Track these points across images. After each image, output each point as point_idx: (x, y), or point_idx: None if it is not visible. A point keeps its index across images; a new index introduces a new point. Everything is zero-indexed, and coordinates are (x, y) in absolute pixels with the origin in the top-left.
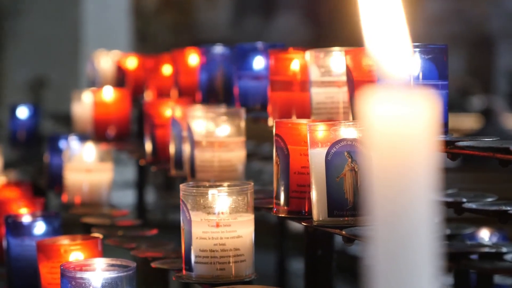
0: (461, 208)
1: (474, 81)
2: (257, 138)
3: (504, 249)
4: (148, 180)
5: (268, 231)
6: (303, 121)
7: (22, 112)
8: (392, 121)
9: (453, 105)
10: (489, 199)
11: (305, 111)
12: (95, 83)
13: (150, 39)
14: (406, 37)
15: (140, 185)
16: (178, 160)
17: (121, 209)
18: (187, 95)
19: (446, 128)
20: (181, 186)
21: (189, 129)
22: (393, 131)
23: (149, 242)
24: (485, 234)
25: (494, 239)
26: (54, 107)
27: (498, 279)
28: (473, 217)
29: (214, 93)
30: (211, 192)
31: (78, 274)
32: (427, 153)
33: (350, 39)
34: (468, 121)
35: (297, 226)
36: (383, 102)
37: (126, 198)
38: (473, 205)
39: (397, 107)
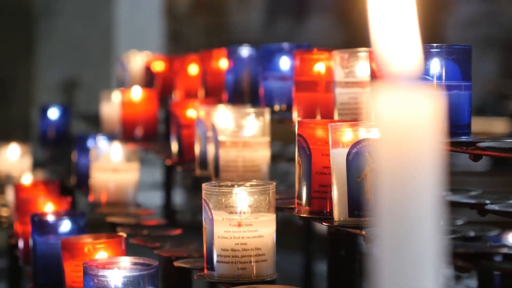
0: (484, 210)
1: (508, 84)
2: (284, 139)
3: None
4: (177, 181)
5: (294, 233)
6: (325, 121)
7: (53, 112)
8: (397, 120)
9: (486, 108)
10: (511, 201)
11: (329, 112)
12: (124, 83)
13: (182, 40)
14: (416, 35)
15: (167, 185)
16: (203, 160)
17: (146, 209)
18: (213, 96)
19: (468, 129)
20: (204, 185)
21: (213, 129)
22: (398, 130)
23: (173, 242)
24: (510, 236)
25: None
26: (85, 108)
27: None
28: (498, 220)
29: (240, 93)
30: (233, 191)
31: (101, 272)
32: (433, 152)
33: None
34: (500, 125)
35: (322, 227)
36: (389, 101)
37: (155, 199)
38: (496, 207)
39: (402, 106)
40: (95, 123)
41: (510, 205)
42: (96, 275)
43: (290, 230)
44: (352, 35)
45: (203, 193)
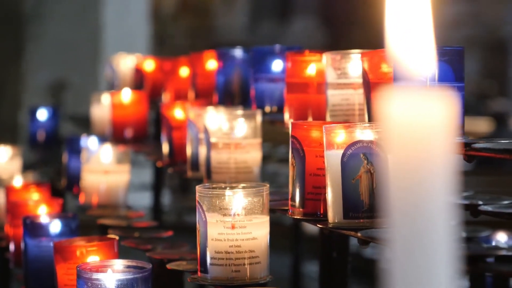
0: (477, 211)
1: (491, 84)
2: (273, 141)
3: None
4: (164, 183)
5: (283, 234)
6: (319, 122)
7: (42, 114)
8: (410, 122)
9: (469, 108)
10: (505, 202)
11: (321, 113)
12: (113, 85)
13: (167, 42)
14: (429, 38)
15: (156, 187)
16: (195, 161)
17: (137, 211)
18: (204, 98)
19: (462, 130)
20: (197, 187)
21: (205, 131)
22: (410, 132)
23: (165, 244)
24: (501, 237)
25: (510, 242)
26: (74, 110)
27: None
28: (489, 220)
29: (231, 95)
30: (227, 193)
31: (94, 276)
32: (445, 155)
33: (366, 42)
34: (482, 125)
35: (312, 228)
36: (401, 103)
37: (143, 200)
38: (489, 208)
39: (415, 108)
40: (84, 125)
41: (503, 206)
42: (90, 278)
43: (279, 231)
44: (336, 36)
45: (196, 195)
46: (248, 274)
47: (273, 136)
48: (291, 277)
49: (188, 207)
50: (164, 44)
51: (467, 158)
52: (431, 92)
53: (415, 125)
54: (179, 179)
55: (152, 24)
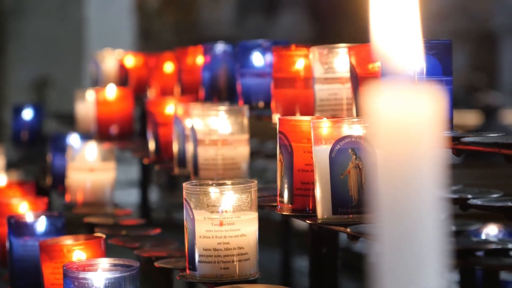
0: (466, 205)
1: (480, 77)
2: (261, 136)
3: (510, 246)
4: (151, 179)
5: (272, 230)
6: (307, 118)
7: (26, 112)
8: (398, 116)
9: (457, 101)
10: (495, 195)
11: (309, 108)
12: (98, 82)
13: (153, 37)
14: (416, 31)
15: (143, 184)
16: (182, 158)
17: (124, 209)
18: (190, 93)
19: (451, 124)
20: (184, 184)
21: (192, 127)
22: (398, 127)
23: (153, 242)
24: (490, 231)
25: (500, 236)
26: (57, 107)
27: (504, 275)
28: (478, 214)
29: (217, 90)
30: (214, 190)
31: (81, 275)
32: (433, 149)
33: (353, 36)
34: (471, 118)
35: (301, 224)
36: (389, 98)
37: (130, 197)
38: (478, 202)
39: (402, 102)
40: (68, 122)
41: (493, 199)
42: (77, 277)
43: (267, 227)
44: (323, 30)
45: (184, 193)
46: (237, 271)
47: (260, 131)
48: (280, 273)
49: (175, 204)
50: (149, 39)
51: (456, 152)
52: (419, 86)
53: (402, 120)
54: (167, 176)
55: (136, 19)
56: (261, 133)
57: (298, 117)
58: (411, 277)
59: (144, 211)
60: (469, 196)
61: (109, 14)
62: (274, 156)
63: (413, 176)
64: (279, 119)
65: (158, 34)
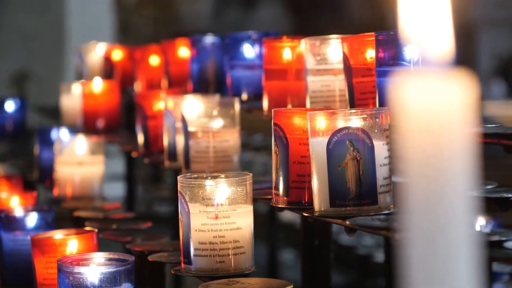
0: None
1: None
2: (248, 129)
3: (503, 237)
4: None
5: (259, 222)
6: (302, 109)
7: (9, 106)
8: (428, 106)
9: None
10: (490, 186)
11: (301, 100)
12: (82, 75)
13: (132, 31)
14: (446, 18)
15: (129, 177)
16: (172, 151)
17: (112, 202)
18: (177, 86)
19: None
20: (179, 177)
21: (183, 120)
22: (428, 117)
23: (144, 235)
24: (480, 222)
25: (489, 227)
26: (38, 100)
27: (497, 267)
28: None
29: (206, 83)
30: (210, 183)
31: (76, 269)
32: (464, 142)
33: (333, 28)
34: None
35: (287, 215)
36: (419, 87)
37: (113, 191)
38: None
39: (432, 93)
40: (52, 116)
41: (488, 191)
42: (72, 272)
43: (254, 220)
44: (301, 22)
45: (178, 186)
46: (232, 265)
47: (248, 124)
48: (269, 266)
49: (158, 197)
50: (128, 33)
51: None
52: (449, 75)
53: (433, 110)
54: (150, 169)
55: (115, 12)
56: (247, 126)
57: (293, 108)
58: (441, 274)
59: (130, 204)
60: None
61: (90, 8)
62: (261, 148)
63: (444, 168)
64: (274, 111)
65: (136, 27)
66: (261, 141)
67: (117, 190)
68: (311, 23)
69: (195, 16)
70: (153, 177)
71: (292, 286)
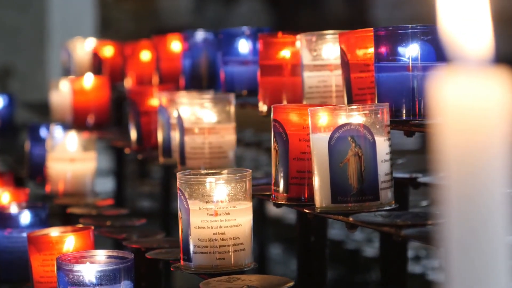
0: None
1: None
2: (240, 125)
3: None
4: (125, 169)
5: None
6: (303, 106)
7: None
8: (468, 104)
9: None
10: None
11: (296, 96)
12: (70, 71)
13: (112, 26)
14: (485, 15)
15: (118, 173)
16: (167, 147)
17: (105, 199)
18: (168, 82)
19: None
20: (178, 174)
21: (178, 116)
22: (468, 116)
23: (138, 232)
24: None
25: None
26: (20, 96)
27: None
28: None
29: (198, 79)
30: (210, 180)
31: (76, 267)
32: (504, 137)
33: (314, 23)
34: None
35: (274, 210)
36: (459, 84)
37: (99, 186)
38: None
39: (472, 90)
40: (39, 112)
41: None
42: (71, 270)
43: None
44: (282, 17)
45: (178, 182)
46: (232, 262)
47: (241, 120)
48: (258, 261)
49: (145, 193)
50: (108, 28)
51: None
52: (488, 73)
53: (473, 108)
54: (136, 165)
55: (96, 8)
56: (240, 122)
57: (294, 104)
58: (480, 276)
59: (118, 201)
60: None
61: (72, 3)
62: (252, 144)
63: (483, 166)
64: (274, 107)
65: (117, 22)
66: (251, 137)
67: (103, 186)
68: (291, 18)
69: (176, 11)
70: (140, 173)
71: (293, 283)
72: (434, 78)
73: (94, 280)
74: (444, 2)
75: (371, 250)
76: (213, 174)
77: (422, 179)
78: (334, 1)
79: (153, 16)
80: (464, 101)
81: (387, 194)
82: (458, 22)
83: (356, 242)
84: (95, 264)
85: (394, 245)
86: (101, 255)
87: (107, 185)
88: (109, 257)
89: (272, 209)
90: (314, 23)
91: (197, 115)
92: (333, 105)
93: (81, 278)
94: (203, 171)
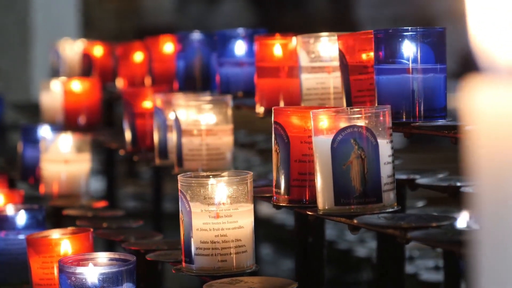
0: (456, 193)
1: None
2: (235, 126)
3: None
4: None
5: None
6: (304, 108)
7: None
8: (502, 113)
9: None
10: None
11: (293, 98)
12: (59, 72)
13: (95, 26)
14: None
15: (110, 174)
16: (163, 149)
17: (99, 200)
18: (161, 83)
19: (444, 112)
20: (179, 176)
21: (176, 118)
22: (498, 124)
23: (136, 234)
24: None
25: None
26: (5, 96)
27: None
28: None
29: (192, 80)
30: (211, 182)
31: (78, 270)
32: None
33: (298, 23)
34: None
35: (265, 210)
36: (491, 93)
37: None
38: (470, 190)
39: (504, 99)
40: (29, 113)
41: (438, 179)
42: (74, 272)
43: None
44: (265, 16)
45: (179, 185)
46: (234, 264)
47: (235, 121)
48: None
49: (135, 193)
50: (91, 28)
51: (455, 140)
52: None
53: (503, 118)
54: (124, 165)
55: (79, 7)
56: (235, 123)
57: (295, 107)
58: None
59: (110, 201)
60: (458, 184)
61: (55, 3)
62: (246, 146)
63: None
64: (275, 109)
65: (99, 22)
66: (245, 138)
67: (92, 186)
68: (275, 18)
69: (158, 10)
70: (128, 173)
71: (296, 285)
72: (466, 87)
73: (97, 283)
74: (474, 11)
75: (363, 250)
76: (214, 176)
77: (420, 180)
78: (318, 1)
79: (135, 15)
80: (496, 110)
81: (389, 196)
82: (489, 31)
83: (348, 242)
84: (97, 266)
85: (392, 246)
86: (103, 257)
87: (96, 184)
88: (111, 259)
89: (262, 210)
90: (299, 23)
91: (195, 117)
92: (335, 107)
93: (83, 280)
94: (204, 173)
